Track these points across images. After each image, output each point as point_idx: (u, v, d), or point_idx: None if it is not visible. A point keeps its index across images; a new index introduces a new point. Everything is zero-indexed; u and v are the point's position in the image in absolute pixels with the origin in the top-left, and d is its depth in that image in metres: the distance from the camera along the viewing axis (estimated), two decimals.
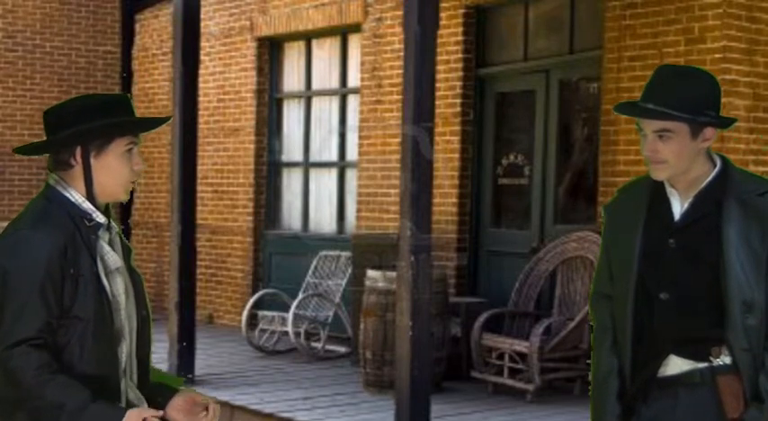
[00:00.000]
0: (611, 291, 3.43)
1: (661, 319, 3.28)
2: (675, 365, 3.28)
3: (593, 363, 3.47)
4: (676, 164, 3.24)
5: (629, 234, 3.35)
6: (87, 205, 3.05)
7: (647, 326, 3.31)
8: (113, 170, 3.07)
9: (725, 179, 3.29)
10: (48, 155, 3.12)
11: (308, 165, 12.02)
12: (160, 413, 2.93)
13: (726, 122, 3.35)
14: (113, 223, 3.13)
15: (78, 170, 3.06)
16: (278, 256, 12.09)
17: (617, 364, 3.37)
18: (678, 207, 3.32)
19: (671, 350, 3.27)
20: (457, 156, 9.97)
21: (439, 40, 8.03)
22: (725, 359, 3.22)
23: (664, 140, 3.22)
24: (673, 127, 3.21)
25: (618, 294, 3.38)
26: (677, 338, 3.27)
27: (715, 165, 3.32)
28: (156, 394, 3.17)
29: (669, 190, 3.33)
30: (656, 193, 3.35)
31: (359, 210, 10.95)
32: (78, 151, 3.04)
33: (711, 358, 3.24)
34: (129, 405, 3.05)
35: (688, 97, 3.21)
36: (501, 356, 8.51)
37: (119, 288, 3.05)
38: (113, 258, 3.05)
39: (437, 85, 8.19)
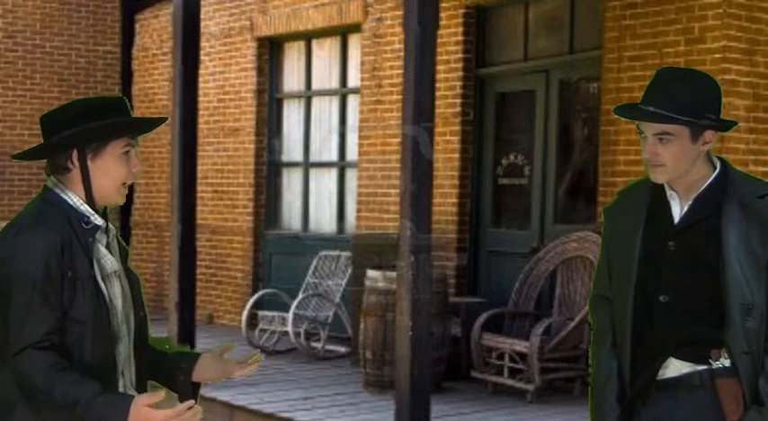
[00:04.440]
0: (611, 294, 3.42)
1: (661, 322, 3.28)
2: (675, 368, 3.28)
3: (593, 366, 3.46)
4: (676, 167, 3.23)
5: (629, 236, 3.34)
6: (85, 208, 3.04)
7: (647, 328, 3.30)
8: (111, 172, 3.06)
9: (725, 181, 3.28)
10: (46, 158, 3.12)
11: (308, 165, 12.02)
12: (162, 396, 2.92)
13: (726, 125, 3.34)
14: (111, 226, 3.13)
15: (76, 173, 3.05)
16: (278, 256, 12.09)
17: (616, 367, 3.37)
18: (678, 209, 3.31)
19: (670, 352, 3.27)
20: (457, 156, 9.97)
21: (439, 40, 8.03)
22: (724, 362, 3.21)
23: (664, 143, 3.22)
24: (673, 130, 3.21)
25: (617, 297, 3.38)
26: (677, 341, 3.26)
27: (715, 168, 3.31)
28: (179, 362, 3.20)
29: (669, 192, 3.32)
30: (656, 196, 3.35)
31: (359, 210, 10.95)
32: (75, 154, 3.04)
33: (711, 361, 3.23)
34: None
35: (688, 100, 3.20)
36: (501, 356, 8.51)
37: (115, 291, 3.05)
38: (110, 261, 3.05)
39: (437, 85, 8.19)
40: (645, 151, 3.26)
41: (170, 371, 3.19)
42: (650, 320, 3.29)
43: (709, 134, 3.25)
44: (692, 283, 3.26)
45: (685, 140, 3.21)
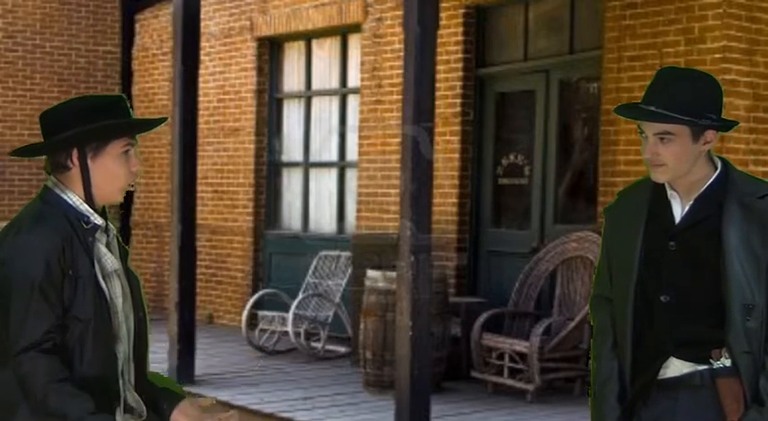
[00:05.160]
0: (611, 294, 3.42)
1: (661, 322, 3.27)
2: (676, 368, 3.27)
3: (593, 366, 3.46)
4: (676, 167, 3.22)
5: (630, 236, 3.34)
6: (85, 207, 3.05)
7: (648, 328, 3.30)
8: (111, 172, 3.06)
9: (726, 181, 3.28)
10: (45, 157, 3.12)
11: (308, 165, 12.02)
12: None
13: (727, 125, 3.33)
14: (111, 225, 3.13)
15: (76, 172, 3.06)
16: (278, 256, 12.09)
17: (617, 367, 3.36)
18: (679, 209, 3.31)
19: (671, 352, 3.26)
20: (457, 156, 9.97)
21: (439, 40, 8.04)
22: (725, 361, 3.21)
23: (665, 143, 3.21)
24: (674, 130, 3.20)
25: (618, 297, 3.37)
26: (677, 341, 3.26)
27: (716, 168, 3.31)
28: (162, 398, 3.17)
29: (670, 192, 3.32)
30: (656, 196, 3.34)
31: (359, 210, 10.95)
32: (75, 153, 3.04)
33: (712, 360, 3.22)
34: (127, 407, 3.05)
35: (689, 100, 3.19)
36: (501, 356, 8.51)
37: (116, 290, 3.05)
38: (111, 260, 3.05)
39: (437, 85, 8.20)
40: (646, 151, 3.25)
41: (153, 404, 3.17)
42: (651, 320, 3.29)
43: (710, 134, 3.24)
44: (693, 283, 3.26)
45: (686, 140, 3.21)
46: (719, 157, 3.36)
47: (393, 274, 8.05)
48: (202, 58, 10.93)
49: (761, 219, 3.21)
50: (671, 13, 8.30)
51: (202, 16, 10.08)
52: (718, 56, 7.99)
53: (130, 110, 3.16)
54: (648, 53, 8.41)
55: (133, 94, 14.10)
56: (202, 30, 10.55)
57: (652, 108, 3.20)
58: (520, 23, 9.82)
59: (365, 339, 8.63)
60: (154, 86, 13.85)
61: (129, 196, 14.79)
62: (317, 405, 8.22)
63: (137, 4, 14.15)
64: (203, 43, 11.34)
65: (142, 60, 14.10)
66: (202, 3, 9.99)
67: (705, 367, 3.23)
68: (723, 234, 3.20)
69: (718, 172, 3.30)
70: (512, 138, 10.04)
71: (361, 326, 8.74)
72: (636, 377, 3.33)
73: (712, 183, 3.28)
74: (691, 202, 3.29)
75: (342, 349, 10.30)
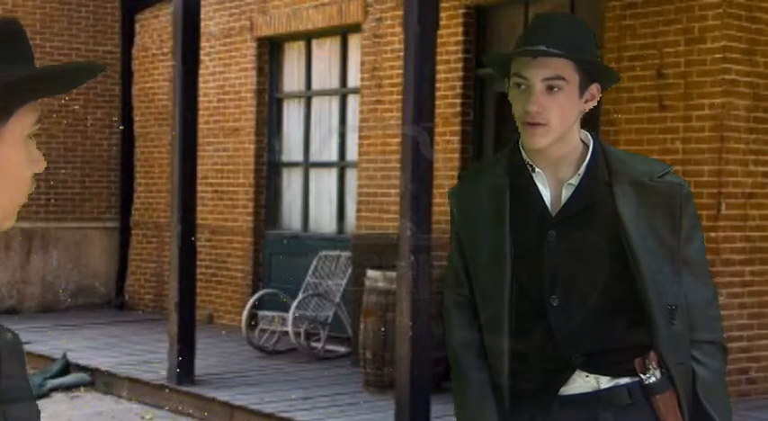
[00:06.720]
0: (474, 298, 2.86)
1: (557, 328, 2.71)
2: (582, 383, 2.73)
3: (458, 382, 2.87)
4: (559, 127, 2.67)
5: (492, 226, 2.76)
6: None
7: (532, 337, 2.74)
8: (11, 169, 1.65)
9: (605, 157, 2.74)
10: None
11: (308, 165, 12.02)
12: None
13: (613, 76, 2.79)
14: None
15: None
16: (278, 256, 12.09)
17: (490, 382, 2.79)
18: (547, 191, 2.75)
19: (578, 365, 2.72)
20: (457, 156, 9.97)
21: (439, 40, 8.04)
22: (655, 373, 2.69)
23: (553, 94, 2.65)
24: (567, 74, 2.65)
25: (485, 299, 2.80)
26: (583, 350, 2.71)
27: (584, 140, 2.78)
28: None
29: (533, 169, 2.76)
30: (516, 175, 2.79)
31: (359, 210, 10.95)
32: None
33: (642, 375, 2.70)
34: None
35: (581, 41, 2.68)
36: None
37: None
38: None
39: (437, 85, 8.20)
40: (528, 104, 2.68)
41: None
42: (537, 327, 2.73)
43: (594, 88, 2.72)
44: (586, 280, 2.70)
45: (574, 92, 2.67)
46: (586, 131, 2.83)
47: (393, 274, 8.05)
48: (202, 58, 10.94)
49: (665, 201, 2.69)
50: (671, 13, 8.30)
51: (202, 16, 10.08)
52: (718, 56, 7.99)
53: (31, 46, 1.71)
54: (648, 53, 8.41)
55: (133, 93, 14.11)
56: (202, 30, 10.56)
57: (543, 47, 2.63)
58: (520, 23, 9.82)
59: (365, 339, 8.63)
60: (154, 86, 13.85)
61: (129, 196, 14.85)
62: (316, 405, 8.22)
63: (137, 4, 14.15)
64: (203, 43, 11.35)
65: (142, 60, 14.10)
66: (202, 3, 10.00)
67: (628, 380, 2.71)
68: (624, 221, 2.66)
69: (593, 143, 2.76)
70: (512, 138, 10.02)
71: (361, 326, 8.75)
72: (522, 392, 2.76)
73: (593, 157, 2.74)
74: (571, 181, 2.73)
75: (342, 349, 10.30)
